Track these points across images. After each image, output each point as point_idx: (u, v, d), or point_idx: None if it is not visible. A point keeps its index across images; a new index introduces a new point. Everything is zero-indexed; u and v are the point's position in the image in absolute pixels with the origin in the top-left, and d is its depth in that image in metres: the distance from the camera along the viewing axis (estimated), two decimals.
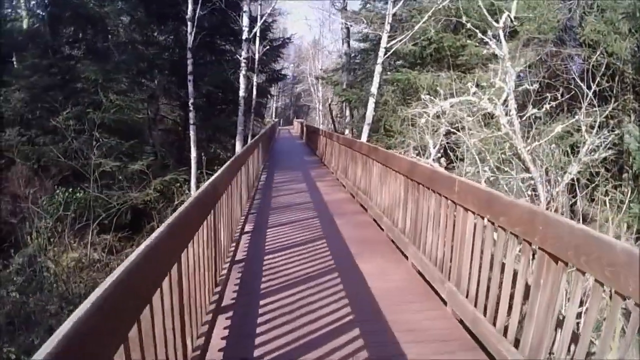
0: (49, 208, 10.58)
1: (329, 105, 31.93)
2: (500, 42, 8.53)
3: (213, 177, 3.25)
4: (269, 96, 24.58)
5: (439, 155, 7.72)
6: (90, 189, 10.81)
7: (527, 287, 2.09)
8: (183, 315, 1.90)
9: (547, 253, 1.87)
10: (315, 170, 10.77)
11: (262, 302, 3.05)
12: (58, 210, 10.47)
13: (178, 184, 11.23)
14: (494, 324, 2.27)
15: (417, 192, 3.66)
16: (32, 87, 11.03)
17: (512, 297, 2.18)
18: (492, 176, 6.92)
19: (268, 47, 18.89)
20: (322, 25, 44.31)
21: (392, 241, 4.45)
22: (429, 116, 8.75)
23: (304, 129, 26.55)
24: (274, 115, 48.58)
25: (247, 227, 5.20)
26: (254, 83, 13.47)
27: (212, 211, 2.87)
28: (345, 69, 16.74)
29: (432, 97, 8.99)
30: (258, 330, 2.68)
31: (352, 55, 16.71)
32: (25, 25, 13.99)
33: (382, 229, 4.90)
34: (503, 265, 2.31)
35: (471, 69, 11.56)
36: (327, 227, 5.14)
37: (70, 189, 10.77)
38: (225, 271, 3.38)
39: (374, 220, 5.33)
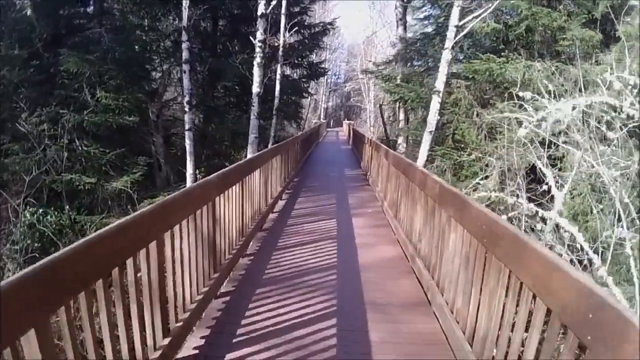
0: (14, 231, 9.31)
1: (380, 106, 30.08)
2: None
3: None
4: (307, 95, 22.79)
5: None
6: (66, 210, 9.47)
7: None
8: None
9: None
10: (356, 195, 8.99)
11: None
12: (24, 236, 9.17)
13: None
14: None
15: None
16: (3, 82, 9.88)
17: None
18: None
19: (304, 32, 17.29)
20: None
21: None
22: (530, 124, 6.62)
23: (351, 132, 25.86)
24: (323, 116, 50.18)
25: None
26: (278, 76, 11.71)
27: None
28: (401, 58, 14.69)
29: (535, 96, 6.84)
30: None
31: (410, 41, 14.63)
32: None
33: None
34: None
35: (572, 58, 9.21)
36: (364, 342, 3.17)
37: (41, 210, 9.45)
38: None
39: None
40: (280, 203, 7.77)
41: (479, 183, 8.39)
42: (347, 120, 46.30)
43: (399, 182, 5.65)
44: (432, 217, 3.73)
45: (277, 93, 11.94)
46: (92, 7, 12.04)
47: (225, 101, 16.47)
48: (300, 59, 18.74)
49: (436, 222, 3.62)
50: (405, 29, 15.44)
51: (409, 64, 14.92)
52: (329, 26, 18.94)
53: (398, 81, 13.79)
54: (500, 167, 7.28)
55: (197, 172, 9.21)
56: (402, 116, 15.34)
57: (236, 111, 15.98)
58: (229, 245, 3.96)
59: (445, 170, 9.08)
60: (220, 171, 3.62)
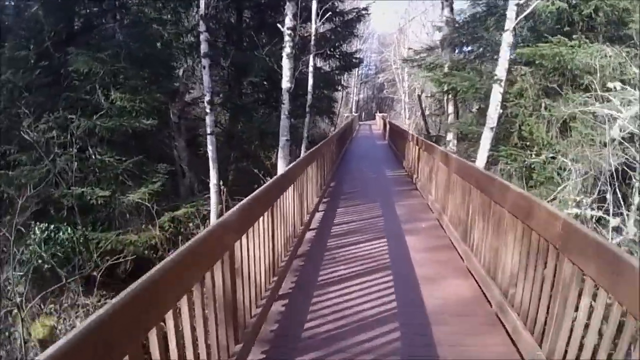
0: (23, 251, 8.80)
1: (419, 97, 28.86)
2: None
3: None
4: (340, 88, 21.78)
5: None
6: (79, 226, 8.90)
7: None
8: None
9: None
10: (404, 203, 8.07)
11: None
12: (32, 256, 8.64)
13: (197, 221, 8.86)
14: None
15: None
16: (8, 86, 9.37)
17: None
18: None
19: (336, 20, 16.30)
20: None
21: None
22: (624, 120, 5.54)
23: (387, 126, 24.85)
24: (354, 109, 49.75)
25: None
26: (310, 69, 10.78)
27: None
28: (448, 43, 13.49)
29: (626, 87, 5.74)
30: None
31: (457, 24, 13.38)
32: None
33: None
34: None
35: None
36: None
37: (52, 226, 8.90)
38: None
39: None
40: (318, 216, 6.89)
41: (550, 189, 7.28)
42: (380, 112, 46.22)
43: (469, 198, 4.64)
44: (541, 260, 2.74)
45: (310, 87, 11.02)
46: (105, 1, 11.43)
47: (254, 98, 15.74)
48: (332, 50, 17.80)
49: (549, 271, 2.63)
50: (451, 10, 14.20)
51: (457, 49, 13.72)
52: (363, 12, 17.86)
53: (446, 69, 12.64)
54: (586, 172, 6.16)
55: (222, 182, 8.41)
56: (451, 109, 14.12)
57: (265, 108, 15.22)
58: (255, 297, 3.08)
59: (512, 174, 7.95)
60: (242, 204, 2.74)
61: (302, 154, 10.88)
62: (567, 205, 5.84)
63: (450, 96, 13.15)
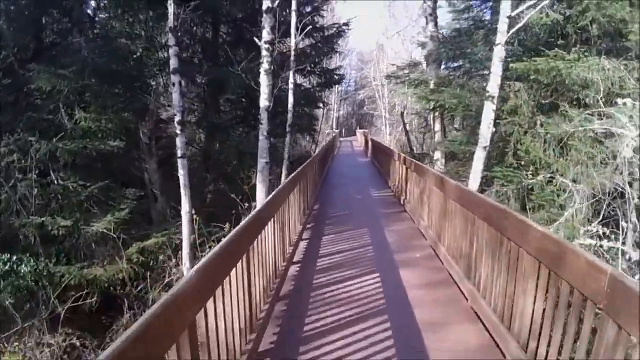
0: None
1: (401, 114, 28.85)
2: None
3: None
4: (322, 105, 21.44)
5: None
6: (42, 257, 8.22)
7: None
8: None
9: None
10: (393, 228, 7.62)
11: None
12: None
13: (169, 252, 8.24)
14: None
15: None
16: None
17: None
18: None
19: (316, 35, 16.02)
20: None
21: None
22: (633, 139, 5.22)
23: (369, 142, 24.77)
24: (335, 126, 50.96)
25: None
26: (290, 85, 10.35)
27: None
28: (433, 59, 13.24)
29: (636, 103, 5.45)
30: None
31: (442, 39, 13.15)
32: None
33: None
34: None
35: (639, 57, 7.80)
36: None
37: (15, 257, 8.20)
38: None
39: None
40: (302, 245, 6.40)
41: (551, 212, 6.91)
42: (360, 128, 47.43)
43: (472, 229, 4.19)
44: (575, 316, 2.30)
45: (290, 105, 10.55)
46: (73, 14, 10.86)
47: (231, 116, 15.23)
48: (313, 66, 17.49)
49: (585, 330, 2.19)
50: (436, 24, 14.02)
51: (442, 65, 13.50)
52: (344, 27, 17.63)
53: (432, 85, 12.36)
54: (593, 195, 5.79)
55: (194, 212, 7.82)
56: (437, 126, 13.83)
57: (243, 127, 14.72)
58: None
59: (510, 196, 7.58)
60: (205, 263, 2.19)
61: (283, 177, 10.41)
62: (572, 231, 5.47)
63: (437, 113, 12.86)
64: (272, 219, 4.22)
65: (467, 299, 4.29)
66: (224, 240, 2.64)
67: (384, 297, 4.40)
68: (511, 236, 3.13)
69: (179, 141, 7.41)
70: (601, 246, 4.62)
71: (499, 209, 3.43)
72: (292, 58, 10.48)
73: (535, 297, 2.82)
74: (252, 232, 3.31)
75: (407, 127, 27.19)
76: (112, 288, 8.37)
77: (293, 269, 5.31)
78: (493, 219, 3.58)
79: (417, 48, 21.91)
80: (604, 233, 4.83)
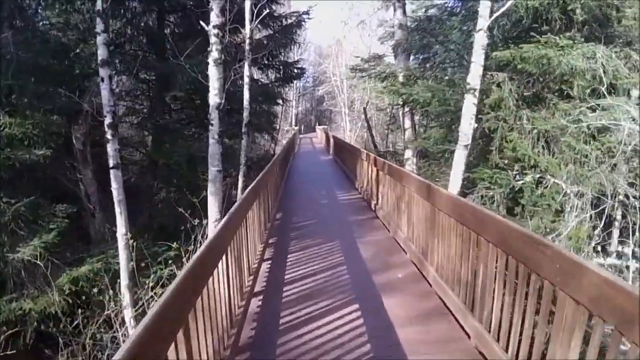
0: None
1: (364, 109, 28.47)
2: None
3: None
4: (281, 102, 20.53)
5: None
6: None
7: None
8: None
9: None
10: (367, 239, 7.02)
11: None
12: None
13: (106, 279, 7.24)
14: None
15: None
16: None
17: None
18: None
19: (274, 25, 15.18)
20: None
21: None
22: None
23: (330, 140, 24.89)
24: (294, 123, 51.97)
25: None
26: (246, 79, 9.46)
27: None
28: (402, 50, 12.61)
29: None
30: None
31: (418, 24, 12.48)
32: None
33: None
34: None
35: (629, 43, 7.43)
36: None
37: None
38: None
39: None
40: (264, 269, 5.58)
41: (548, 220, 6.37)
42: (320, 125, 49.03)
43: (476, 253, 3.50)
44: None
45: (246, 102, 9.63)
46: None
47: (182, 116, 14.18)
48: (271, 59, 16.62)
49: None
50: (404, 12, 13.37)
51: (412, 57, 12.90)
52: (304, 16, 16.81)
53: (401, 78, 11.74)
54: (598, 199, 5.25)
55: (130, 235, 6.84)
56: (408, 123, 13.21)
57: (196, 128, 13.71)
58: None
59: (496, 200, 6.98)
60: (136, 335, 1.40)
61: (240, 185, 9.53)
62: (576, 243, 4.90)
63: (407, 109, 12.25)
64: (227, 249, 3.42)
65: (469, 337, 3.62)
66: (157, 306, 1.82)
67: (370, 344, 3.65)
68: (547, 275, 2.43)
69: (110, 148, 6.40)
70: (627, 267, 4.04)
71: (525, 235, 2.71)
72: (247, 48, 9.57)
73: (585, 353, 2.14)
74: (198, 280, 2.50)
75: (370, 126, 26.80)
76: (42, 325, 7.33)
77: (254, 304, 4.50)
78: (512, 245, 2.88)
79: (377, 42, 21.47)
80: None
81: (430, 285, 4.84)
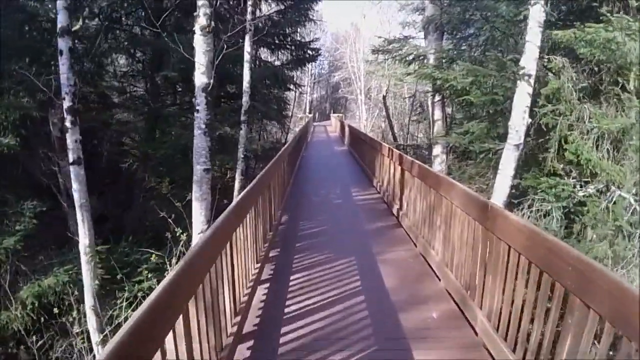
0: None
1: (384, 98, 27.47)
2: None
3: None
4: (294, 87, 19.40)
5: None
6: None
7: None
8: None
9: None
10: (388, 255, 6.11)
11: None
12: None
13: (76, 293, 6.33)
14: None
15: None
16: None
17: None
18: None
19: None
20: None
21: None
22: None
23: (345, 129, 24.36)
24: (308, 110, 52.16)
25: None
26: (247, 55, 8.36)
27: None
28: (435, 28, 11.42)
29: None
30: None
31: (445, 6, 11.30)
32: None
33: None
34: None
35: None
36: None
37: None
38: None
39: None
40: (258, 297, 4.58)
41: (615, 244, 5.27)
42: (334, 113, 49.10)
43: (576, 317, 2.44)
44: None
45: (246, 85, 8.53)
46: None
47: (178, 100, 13.22)
48: (282, 38, 15.60)
49: None
50: None
51: (445, 36, 11.71)
52: None
53: (432, 61, 10.61)
54: None
55: (95, 245, 5.90)
56: (438, 114, 12.01)
57: (192, 115, 12.74)
58: None
59: (554, 217, 5.84)
60: None
61: (237, 184, 8.53)
62: None
63: (437, 98, 11.09)
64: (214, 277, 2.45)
65: None
66: None
67: None
68: None
69: (70, 139, 5.39)
70: None
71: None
72: (248, 16, 8.42)
73: None
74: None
75: (390, 116, 25.80)
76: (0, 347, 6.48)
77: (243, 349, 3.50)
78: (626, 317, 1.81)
79: (399, 26, 20.27)
80: None
81: (477, 334, 3.81)
